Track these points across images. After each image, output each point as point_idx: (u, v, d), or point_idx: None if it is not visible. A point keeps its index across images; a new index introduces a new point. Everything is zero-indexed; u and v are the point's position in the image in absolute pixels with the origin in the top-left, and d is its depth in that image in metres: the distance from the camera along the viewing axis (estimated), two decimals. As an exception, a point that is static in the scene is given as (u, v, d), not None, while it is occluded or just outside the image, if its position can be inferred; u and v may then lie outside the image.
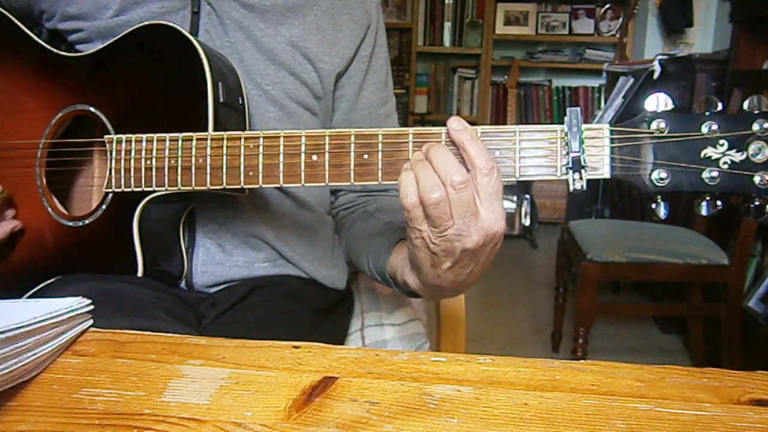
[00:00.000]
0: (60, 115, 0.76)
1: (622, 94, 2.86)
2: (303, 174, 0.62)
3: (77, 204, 0.82)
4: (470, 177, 0.55)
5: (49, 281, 0.75)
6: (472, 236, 0.56)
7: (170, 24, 0.71)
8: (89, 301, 0.53)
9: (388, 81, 0.92)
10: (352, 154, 0.60)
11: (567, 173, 0.56)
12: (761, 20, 2.19)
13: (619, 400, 0.42)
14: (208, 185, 0.65)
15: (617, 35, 3.81)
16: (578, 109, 0.56)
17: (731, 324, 1.93)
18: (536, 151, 0.57)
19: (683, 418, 0.40)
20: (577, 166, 0.56)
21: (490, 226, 0.56)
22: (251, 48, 0.79)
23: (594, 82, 4.07)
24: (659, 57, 2.67)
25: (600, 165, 0.56)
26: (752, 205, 0.54)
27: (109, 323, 0.54)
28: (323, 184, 0.61)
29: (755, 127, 0.53)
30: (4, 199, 0.76)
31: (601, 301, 2.03)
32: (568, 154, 0.56)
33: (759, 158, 0.53)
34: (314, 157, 0.61)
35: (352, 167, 0.60)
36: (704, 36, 3.07)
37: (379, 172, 0.60)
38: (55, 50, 0.79)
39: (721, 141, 0.53)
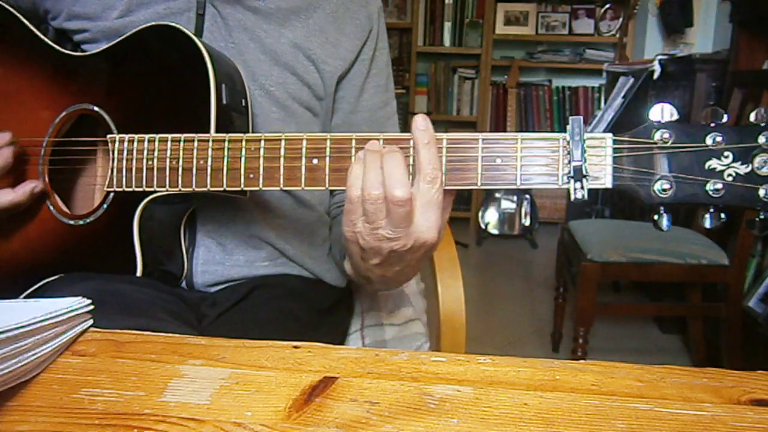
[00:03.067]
0: (64, 114, 0.76)
1: (622, 94, 2.86)
2: (303, 178, 0.62)
3: (80, 203, 0.82)
4: (412, 193, 0.55)
5: (49, 279, 0.75)
6: (402, 239, 0.57)
7: (175, 25, 0.71)
8: (89, 301, 0.53)
9: (388, 84, 0.92)
10: (353, 159, 0.60)
11: (568, 182, 0.56)
12: (761, 20, 2.18)
13: (619, 400, 0.42)
14: (209, 187, 0.65)
15: (617, 35, 3.81)
16: (581, 118, 0.56)
17: (731, 324, 1.93)
18: (538, 159, 0.57)
19: (683, 418, 0.40)
20: (578, 175, 0.55)
21: (421, 233, 0.57)
22: (255, 49, 0.80)
23: (594, 82, 4.07)
24: (659, 57, 2.67)
25: (602, 174, 0.56)
26: (758, 219, 0.53)
27: (110, 323, 0.54)
28: (323, 188, 0.61)
29: (761, 139, 0.52)
30: (17, 152, 0.75)
31: (601, 301, 2.03)
32: (569, 162, 0.55)
33: (765, 171, 0.52)
34: (315, 161, 0.61)
35: None
36: (704, 36, 3.08)
37: None
38: (60, 49, 0.79)
39: (726, 153, 0.53)
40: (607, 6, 3.94)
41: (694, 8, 3.05)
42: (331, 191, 0.94)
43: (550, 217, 4.06)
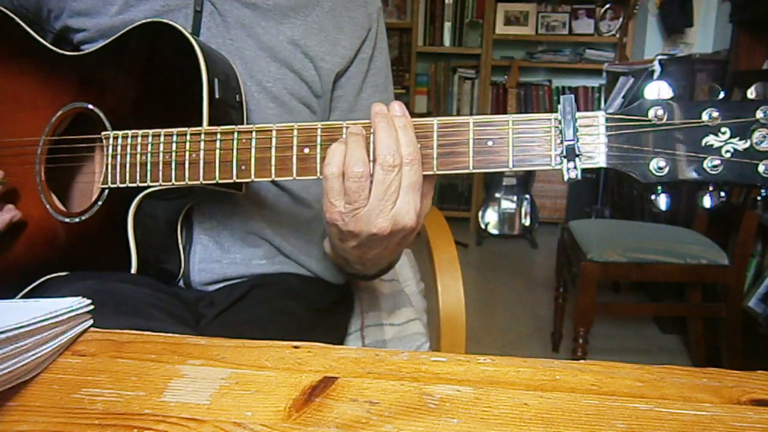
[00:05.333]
0: (60, 112, 0.77)
1: (622, 94, 2.86)
2: (295, 167, 0.61)
3: (78, 201, 0.82)
4: (400, 164, 0.56)
5: (46, 278, 0.75)
6: (380, 222, 0.58)
7: (167, 21, 0.71)
8: (89, 301, 0.53)
9: (387, 84, 0.92)
10: None
11: (561, 162, 0.55)
12: (761, 20, 2.19)
13: (619, 400, 0.42)
14: (201, 180, 0.65)
15: (617, 35, 3.81)
16: (572, 96, 0.54)
17: (731, 324, 1.93)
18: (530, 141, 0.56)
19: (683, 418, 0.40)
20: (571, 154, 0.54)
21: (401, 216, 0.58)
22: (253, 45, 0.80)
23: (594, 82, 4.07)
24: (659, 57, 2.67)
25: (595, 153, 0.54)
26: (759, 197, 0.52)
27: (107, 323, 0.54)
28: (315, 177, 0.61)
29: (759, 114, 0.50)
30: (3, 190, 0.76)
31: (601, 301, 2.03)
32: (562, 142, 0.54)
33: (764, 146, 0.50)
34: (306, 150, 0.61)
35: None
36: (704, 36, 3.08)
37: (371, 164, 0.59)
38: (55, 49, 0.79)
39: (723, 129, 0.51)
40: (607, 6, 3.93)
41: (694, 8, 3.05)
42: None
43: (550, 217, 4.06)
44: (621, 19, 3.81)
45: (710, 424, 0.40)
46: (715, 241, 1.98)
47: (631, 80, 2.86)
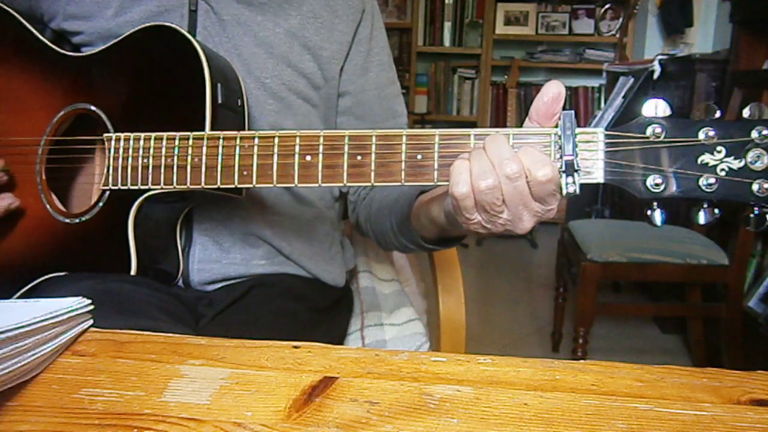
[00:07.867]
0: (61, 113, 0.77)
1: (622, 94, 2.86)
2: (296, 174, 0.61)
3: (79, 202, 0.82)
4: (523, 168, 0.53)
5: (45, 278, 0.75)
6: (524, 223, 0.56)
7: (171, 25, 0.71)
8: (89, 301, 0.53)
9: (391, 63, 0.93)
10: (346, 155, 0.60)
11: (560, 177, 0.56)
12: (761, 20, 2.18)
13: (619, 400, 0.42)
14: (203, 184, 0.65)
15: (617, 35, 3.81)
16: (572, 112, 0.56)
17: (731, 324, 1.93)
18: None
19: (683, 418, 0.40)
20: (570, 169, 0.55)
21: (543, 214, 0.56)
22: (249, 42, 0.80)
23: (594, 82, 4.07)
24: (659, 57, 2.67)
25: (594, 169, 0.56)
26: (752, 215, 0.53)
27: (107, 323, 0.54)
28: (316, 184, 0.61)
29: (754, 134, 0.52)
30: (6, 179, 0.76)
31: (601, 301, 2.02)
32: (561, 157, 0.55)
33: (758, 166, 0.52)
34: (308, 158, 0.61)
35: (345, 168, 0.60)
36: (704, 36, 3.07)
37: (372, 173, 0.59)
38: (58, 50, 0.79)
39: (719, 147, 0.53)
40: (607, 6, 3.94)
41: (694, 8, 3.05)
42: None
43: (550, 217, 4.05)
44: (621, 19, 3.81)
45: (710, 424, 0.40)
46: (715, 241, 1.98)
47: (631, 80, 2.86)
